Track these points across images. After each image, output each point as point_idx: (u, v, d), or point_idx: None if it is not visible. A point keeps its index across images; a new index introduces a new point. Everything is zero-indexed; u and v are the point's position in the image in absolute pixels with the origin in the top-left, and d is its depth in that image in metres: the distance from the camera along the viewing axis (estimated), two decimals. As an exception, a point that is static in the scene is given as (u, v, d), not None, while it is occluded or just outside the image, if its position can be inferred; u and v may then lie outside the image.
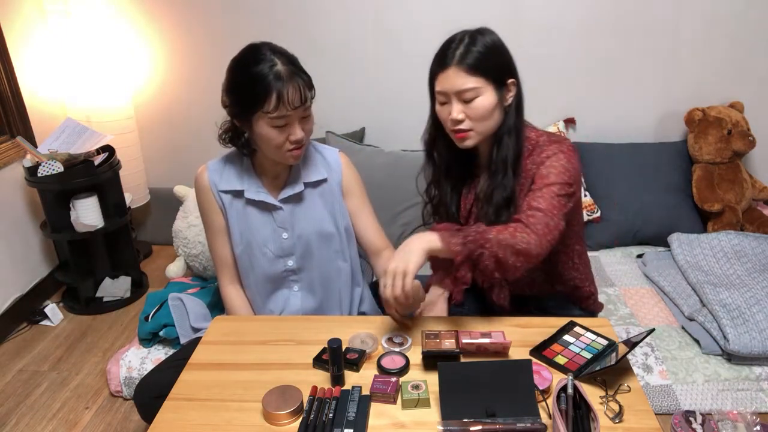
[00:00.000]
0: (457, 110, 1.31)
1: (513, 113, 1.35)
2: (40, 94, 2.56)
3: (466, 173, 1.51)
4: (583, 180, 2.56)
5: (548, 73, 2.60)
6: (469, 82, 1.28)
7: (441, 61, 1.31)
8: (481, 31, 1.32)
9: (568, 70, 2.60)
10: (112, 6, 2.60)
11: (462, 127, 1.32)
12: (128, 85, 2.73)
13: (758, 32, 2.49)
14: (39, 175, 2.27)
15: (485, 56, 1.28)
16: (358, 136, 2.69)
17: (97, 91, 2.58)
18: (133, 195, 2.78)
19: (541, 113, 2.66)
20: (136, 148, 2.80)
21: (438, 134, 1.44)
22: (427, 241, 1.23)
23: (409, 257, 1.21)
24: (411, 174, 1.71)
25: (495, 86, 1.31)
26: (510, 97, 1.35)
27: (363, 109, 2.71)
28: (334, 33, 2.61)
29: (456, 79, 1.28)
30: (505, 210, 1.34)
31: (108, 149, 2.50)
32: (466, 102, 1.30)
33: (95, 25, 2.51)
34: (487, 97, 1.30)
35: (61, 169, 2.28)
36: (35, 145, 2.44)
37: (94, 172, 2.37)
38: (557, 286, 1.51)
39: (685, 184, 2.55)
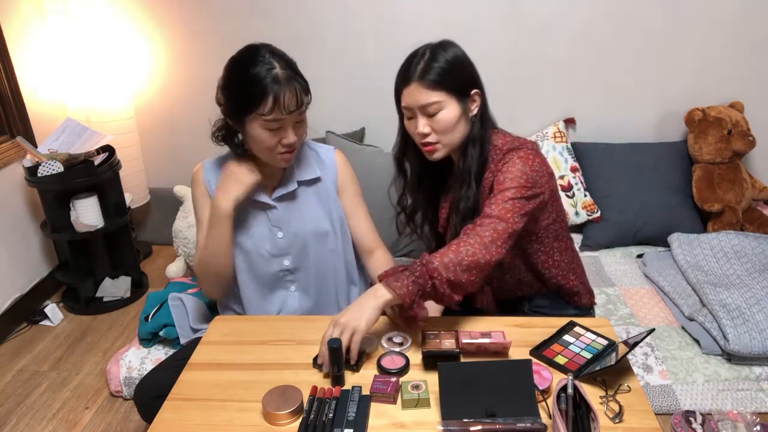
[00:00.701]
0: (422, 124, 1.33)
1: (478, 123, 1.37)
2: (40, 94, 2.56)
3: (440, 184, 1.52)
4: (582, 179, 2.57)
5: (548, 73, 2.60)
6: (432, 96, 1.30)
7: (404, 77, 1.33)
8: (443, 45, 1.34)
9: (568, 70, 2.60)
10: (112, 6, 2.60)
11: (429, 140, 1.34)
12: (128, 86, 2.73)
13: (758, 32, 2.49)
14: (39, 175, 2.27)
15: (446, 71, 1.30)
16: (358, 136, 2.68)
17: (97, 91, 2.58)
18: (133, 195, 2.77)
19: (541, 113, 2.67)
20: (136, 148, 2.80)
21: (407, 148, 1.47)
22: (379, 296, 1.21)
23: (361, 315, 1.18)
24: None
25: (458, 98, 1.32)
26: (475, 107, 1.36)
27: (363, 109, 2.71)
28: (334, 33, 2.61)
29: (418, 94, 1.30)
30: (470, 220, 1.34)
31: (108, 149, 2.49)
32: (431, 116, 1.32)
33: (95, 25, 2.51)
34: (450, 110, 1.32)
35: (61, 169, 2.28)
36: (35, 145, 2.44)
37: (94, 172, 2.37)
38: (543, 284, 1.50)
39: (685, 184, 2.55)
